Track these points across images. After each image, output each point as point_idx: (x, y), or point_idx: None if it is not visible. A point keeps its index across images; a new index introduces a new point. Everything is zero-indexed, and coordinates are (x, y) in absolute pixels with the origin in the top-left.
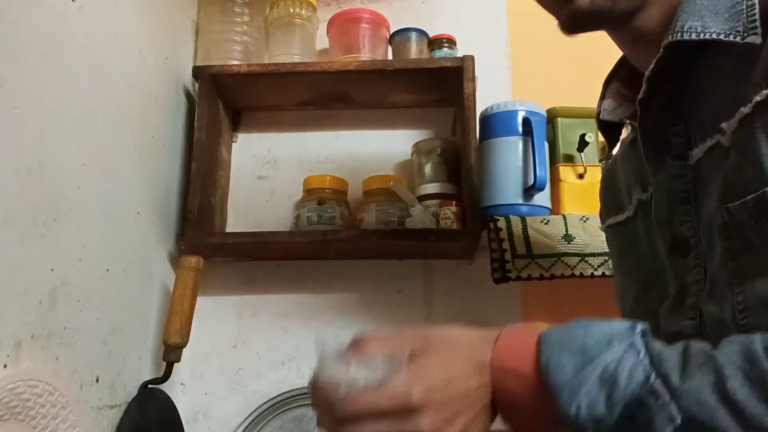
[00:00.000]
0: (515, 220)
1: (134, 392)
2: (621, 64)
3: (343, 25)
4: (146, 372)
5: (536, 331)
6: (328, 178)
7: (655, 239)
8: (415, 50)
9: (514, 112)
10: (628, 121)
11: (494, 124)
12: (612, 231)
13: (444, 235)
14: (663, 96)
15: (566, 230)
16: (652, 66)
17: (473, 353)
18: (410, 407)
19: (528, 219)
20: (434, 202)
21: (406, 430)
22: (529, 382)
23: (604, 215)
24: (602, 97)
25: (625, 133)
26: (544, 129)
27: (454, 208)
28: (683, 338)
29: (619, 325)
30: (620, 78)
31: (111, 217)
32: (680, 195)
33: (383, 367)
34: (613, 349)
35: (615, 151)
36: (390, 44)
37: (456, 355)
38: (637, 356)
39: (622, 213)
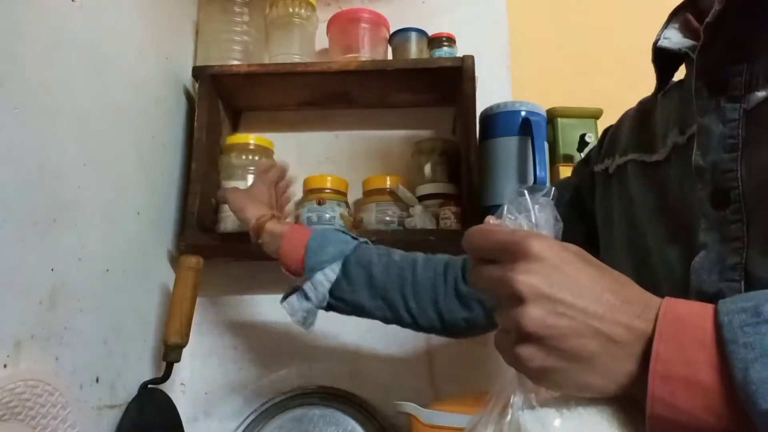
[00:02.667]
0: None
1: (134, 392)
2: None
3: (343, 25)
4: (146, 372)
5: (707, 312)
6: (328, 178)
7: (687, 187)
8: (415, 50)
9: (514, 112)
10: (686, 50)
11: (494, 124)
12: (634, 167)
13: (444, 235)
14: (733, 30)
15: None
16: None
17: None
18: (521, 253)
19: None
20: (434, 202)
21: (503, 277)
22: (712, 398)
23: (625, 147)
24: (665, 26)
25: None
26: (544, 129)
27: (454, 208)
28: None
29: None
30: (691, 9)
31: (111, 217)
32: (728, 141)
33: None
34: None
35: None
36: (390, 44)
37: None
38: None
39: (652, 154)
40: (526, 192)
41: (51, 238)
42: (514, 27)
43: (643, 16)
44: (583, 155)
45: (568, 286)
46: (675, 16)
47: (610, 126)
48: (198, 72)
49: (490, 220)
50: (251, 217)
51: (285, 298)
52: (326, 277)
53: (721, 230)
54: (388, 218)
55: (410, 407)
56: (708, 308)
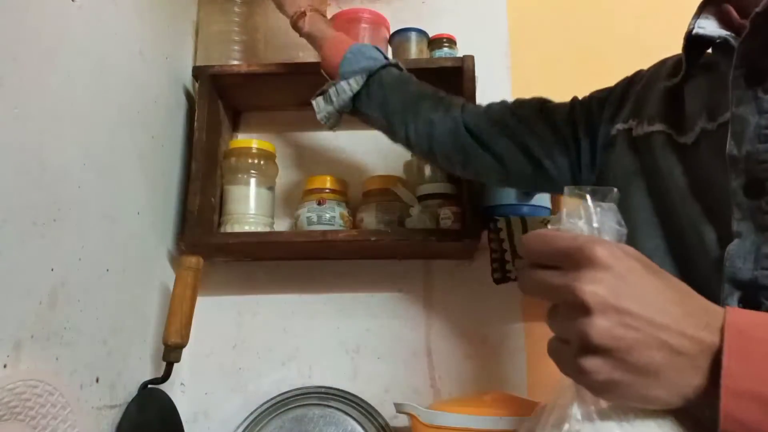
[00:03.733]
0: (515, 221)
1: (134, 392)
2: None
3: (343, 25)
4: (146, 372)
5: None
6: (328, 178)
7: (715, 175)
8: (415, 50)
9: None
10: (727, 36)
11: None
12: (662, 141)
13: (444, 235)
14: None
15: None
16: None
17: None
18: (586, 260)
19: (528, 219)
20: (434, 202)
21: (567, 286)
22: None
23: (654, 114)
24: (697, 16)
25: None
26: None
27: (454, 208)
28: (758, 288)
29: None
30: (722, 1)
31: (111, 217)
32: (764, 132)
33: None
34: None
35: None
36: (390, 44)
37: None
38: None
39: (680, 135)
40: (588, 195)
41: (51, 238)
42: (514, 27)
43: (644, 16)
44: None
45: (635, 297)
46: (706, 6)
47: (631, 80)
48: (198, 72)
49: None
50: (289, 11)
51: (315, 97)
52: (350, 86)
53: (755, 219)
54: (388, 218)
55: (410, 407)
56: None
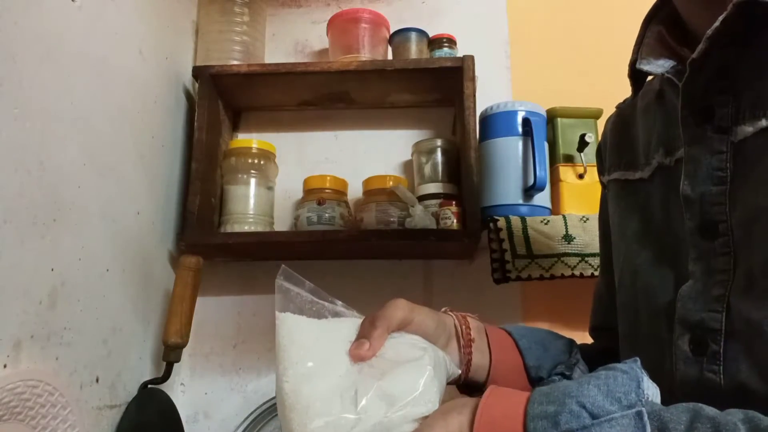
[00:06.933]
0: (515, 221)
1: (134, 392)
2: (662, 4)
3: (343, 25)
4: (146, 372)
5: (518, 414)
6: (328, 178)
7: (674, 211)
8: (415, 50)
9: (514, 112)
10: (671, 76)
11: (494, 124)
12: (617, 186)
13: (444, 235)
14: (718, 60)
15: (566, 230)
16: (717, 24)
17: None
18: None
19: (528, 219)
20: (434, 202)
21: None
22: None
23: (609, 166)
24: (640, 41)
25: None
26: (544, 129)
27: (454, 208)
28: (705, 330)
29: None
30: (662, 21)
31: (111, 217)
32: (717, 173)
33: None
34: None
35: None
36: (390, 44)
37: None
38: None
39: (635, 171)
40: None
41: (51, 238)
42: (514, 27)
43: (644, 16)
44: (583, 155)
45: None
46: (647, 28)
47: (602, 139)
48: (198, 72)
49: None
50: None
51: None
52: None
53: (708, 261)
54: (388, 218)
55: None
56: (520, 409)
